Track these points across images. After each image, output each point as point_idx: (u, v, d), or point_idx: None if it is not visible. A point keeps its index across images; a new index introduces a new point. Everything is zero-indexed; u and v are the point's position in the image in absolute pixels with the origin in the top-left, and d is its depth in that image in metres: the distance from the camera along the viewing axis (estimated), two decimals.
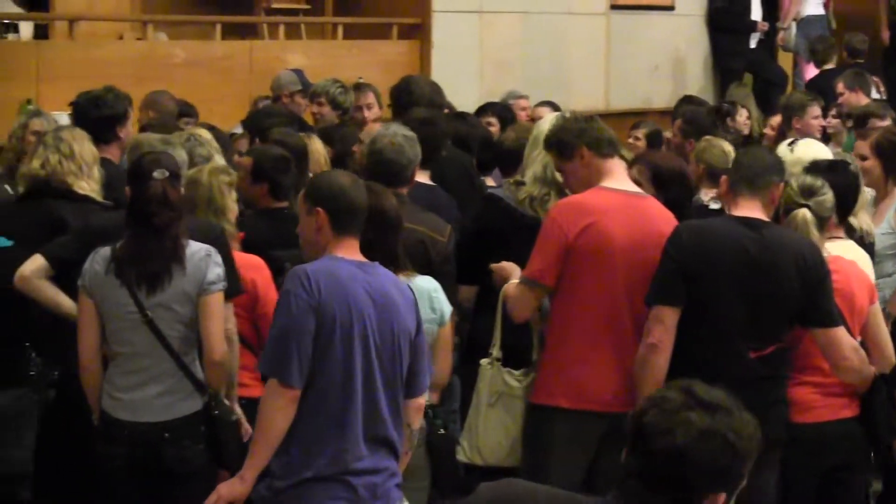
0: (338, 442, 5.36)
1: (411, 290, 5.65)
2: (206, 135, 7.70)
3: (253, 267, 6.59)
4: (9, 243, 6.59)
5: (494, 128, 10.20)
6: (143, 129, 8.57)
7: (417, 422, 5.74)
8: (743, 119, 11.83)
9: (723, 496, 3.34)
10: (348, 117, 10.22)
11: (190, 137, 7.56)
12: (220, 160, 7.36)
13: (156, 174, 5.92)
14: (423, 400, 5.71)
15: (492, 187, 8.29)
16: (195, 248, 5.94)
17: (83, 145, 6.95)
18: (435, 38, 14.10)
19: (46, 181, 6.87)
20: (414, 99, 9.14)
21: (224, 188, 6.68)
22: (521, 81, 13.62)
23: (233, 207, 6.72)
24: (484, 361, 6.43)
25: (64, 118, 8.51)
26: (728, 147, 8.63)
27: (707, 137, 9.04)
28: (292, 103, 10.85)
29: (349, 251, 5.43)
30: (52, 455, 6.75)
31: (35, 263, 6.35)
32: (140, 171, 6.05)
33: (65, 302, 6.32)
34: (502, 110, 10.97)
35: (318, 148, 8.40)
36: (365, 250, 5.47)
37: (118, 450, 5.96)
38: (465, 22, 14.41)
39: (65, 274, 6.29)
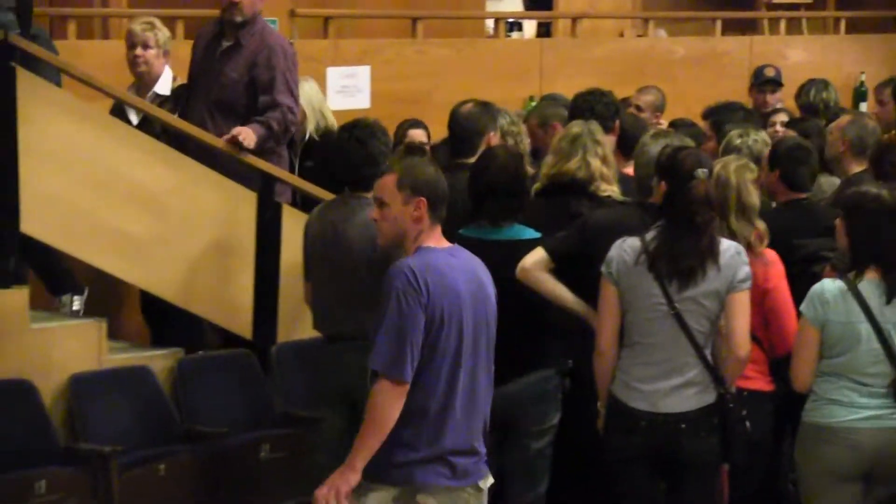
0: (443, 426, 5.48)
1: None
2: (764, 136, 7.95)
3: (765, 261, 6.55)
4: (535, 235, 6.69)
5: None
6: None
7: None
8: None
9: None
10: None
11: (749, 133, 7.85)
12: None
13: (698, 173, 5.96)
14: None
15: None
16: (726, 246, 5.98)
17: (608, 149, 7.04)
18: None
19: (568, 182, 6.95)
20: None
21: (750, 185, 6.62)
22: None
23: (757, 204, 6.66)
24: None
25: None
26: None
27: None
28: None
29: (438, 239, 5.53)
30: (565, 441, 6.82)
31: (536, 256, 6.48)
32: (678, 168, 6.06)
33: (564, 294, 6.45)
34: None
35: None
36: None
37: (634, 439, 6.06)
38: None
39: (565, 266, 6.44)
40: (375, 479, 5.50)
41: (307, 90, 8.56)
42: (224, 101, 7.99)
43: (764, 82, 10.93)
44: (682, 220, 5.96)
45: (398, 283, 5.37)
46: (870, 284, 5.92)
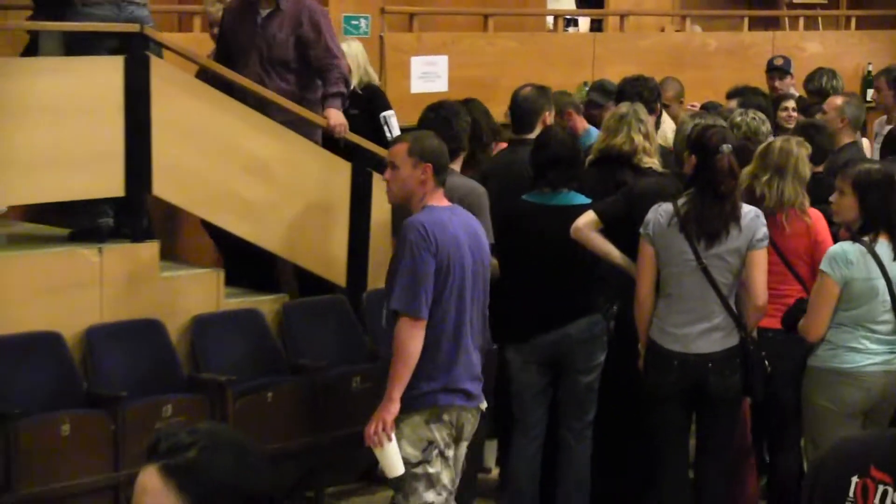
0: (457, 356, 5.68)
1: None
2: (761, 115, 7.96)
3: (816, 217, 6.58)
4: (586, 201, 6.68)
5: None
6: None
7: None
8: None
9: None
10: None
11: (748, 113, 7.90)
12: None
13: (724, 148, 6.02)
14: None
15: None
16: (746, 210, 6.01)
17: (651, 126, 7.03)
18: None
19: (615, 154, 6.96)
20: None
21: (805, 158, 6.64)
22: None
23: (808, 174, 6.66)
24: None
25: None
26: None
27: None
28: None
29: (440, 199, 5.73)
30: (610, 377, 6.83)
31: (587, 217, 6.46)
32: (706, 144, 6.10)
33: (611, 250, 6.42)
34: None
35: None
36: None
37: (669, 377, 6.10)
38: None
39: (612, 227, 6.43)
40: (408, 410, 5.64)
41: (354, 49, 8.52)
42: (276, 58, 7.92)
43: (772, 69, 10.95)
44: (708, 188, 6.01)
45: (412, 237, 5.57)
46: (881, 246, 5.93)
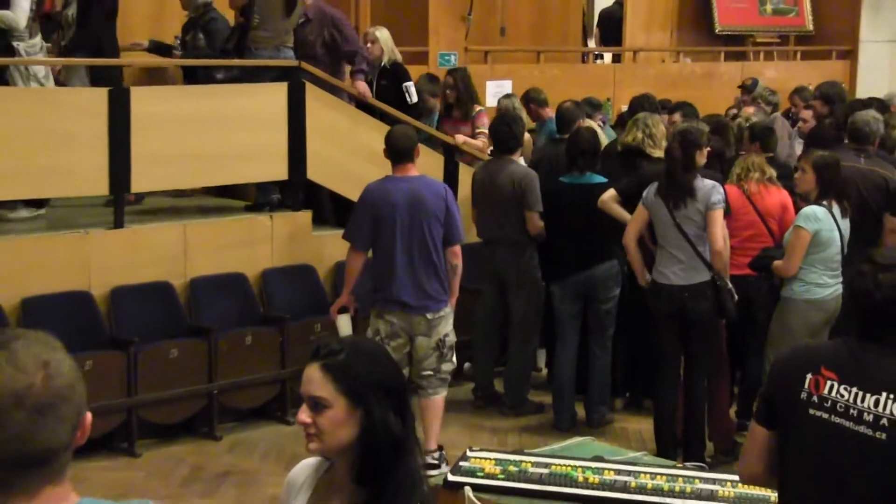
0: (391, 279, 5.81)
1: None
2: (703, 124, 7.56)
3: (783, 193, 6.39)
4: (601, 180, 6.59)
5: None
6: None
7: (456, 260, 5.95)
8: None
9: None
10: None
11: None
12: None
13: (672, 144, 5.95)
14: (457, 248, 5.96)
15: None
16: (705, 183, 5.84)
17: (658, 127, 6.85)
18: (861, 61, 13.31)
19: (632, 147, 6.81)
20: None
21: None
22: None
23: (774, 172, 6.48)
24: None
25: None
26: None
27: None
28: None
29: (400, 171, 5.90)
30: (624, 306, 6.76)
31: (610, 193, 6.38)
32: (670, 139, 6.16)
33: (625, 216, 6.26)
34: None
35: None
36: None
37: (660, 304, 5.96)
38: (880, 49, 13.45)
39: (627, 200, 6.32)
40: (365, 309, 6.08)
41: (385, 36, 8.17)
42: (308, 54, 7.62)
43: (743, 87, 10.75)
44: (671, 171, 5.89)
45: (362, 195, 5.95)
46: (834, 208, 5.87)
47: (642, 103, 8.07)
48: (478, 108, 8.12)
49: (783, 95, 10.53)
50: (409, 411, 2.35)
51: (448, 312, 5.97)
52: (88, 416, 1.78)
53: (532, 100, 8.50)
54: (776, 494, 3.08)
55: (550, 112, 8.32)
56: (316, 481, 2.44)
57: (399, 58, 8.27)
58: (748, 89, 10.51)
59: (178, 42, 8.29)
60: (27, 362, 1.70)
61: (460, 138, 7.86)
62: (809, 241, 5.79)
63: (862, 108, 7.50)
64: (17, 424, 1.68)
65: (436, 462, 5.86)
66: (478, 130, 7.96)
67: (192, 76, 7.98)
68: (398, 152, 5.89)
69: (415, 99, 8.03)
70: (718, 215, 5.82)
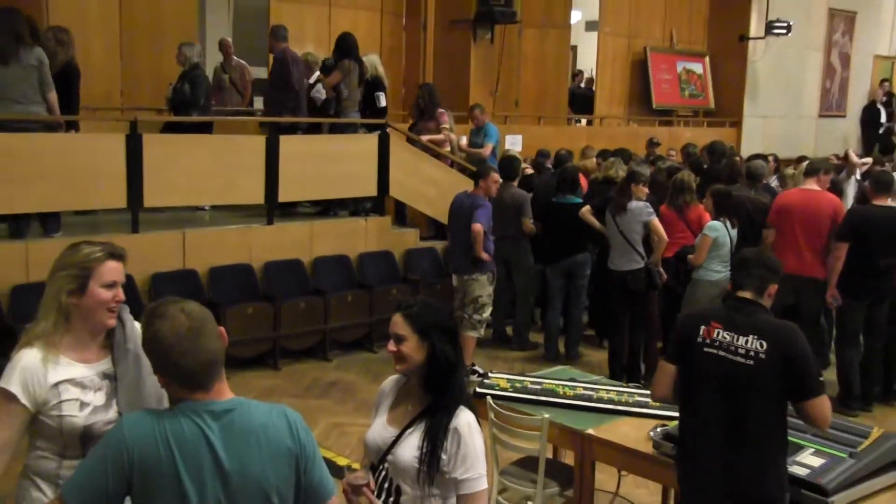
0: (459, 251, 5.55)
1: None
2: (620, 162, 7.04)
3: (700, 210, 5.90)
4: (579, 200, 6.34)
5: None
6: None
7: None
8: None
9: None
10: None
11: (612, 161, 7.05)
12: None
13: (617, 178, 5.74)
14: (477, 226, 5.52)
15: None
16: (637, 204, 5.58)
17: (623, 167, 6.51)
18: (744, 129, 12.81)
19: (609, 177, 6.50)
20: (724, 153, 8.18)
21: (692, 182, 5.98)
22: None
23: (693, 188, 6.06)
24: None
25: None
26: None
27: None
28: None
29: (473, 190, 5.70)
30: (594, 282, 6.53)
31: (586, 208, 6.15)
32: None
33: (597, 224, 6.04)
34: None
35: None
36: None
37: (615, 282, 5.76)
38: (757, 121, 12.94)
39: (598, 213, 6.07)
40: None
41: (373, 59, 7.18)
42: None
43: (650, 142, 10.38)
44: (618, 195, 5.70)
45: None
46: (726, 223, 5.61)
47: (610, 153, 7.81)
48: (440, 110, 7.60)
49: (698, 149, 10.01)
50: (458, 344, 2.29)
51: (479, 277, 5.81)
52: (222, 329, 1.82)
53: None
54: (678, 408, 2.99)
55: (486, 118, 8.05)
56: (397, 390, 2.38)
57: (382, 74, 7.30)
58: (653, 143, 10.30)
59: (171, 88, 7.04)
60: (179, 310, 1.78)
61: (425, 137, 7.47)
62: (711, 243, 5.56)
63: (756, 159, 7.15)
64: (202, 341, 1.76)
65: (480, 372, 5.75)
66: (441, 126, 7.56)
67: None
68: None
69: (383, 103, 7.16)
70: (655, 223, 5.66)
